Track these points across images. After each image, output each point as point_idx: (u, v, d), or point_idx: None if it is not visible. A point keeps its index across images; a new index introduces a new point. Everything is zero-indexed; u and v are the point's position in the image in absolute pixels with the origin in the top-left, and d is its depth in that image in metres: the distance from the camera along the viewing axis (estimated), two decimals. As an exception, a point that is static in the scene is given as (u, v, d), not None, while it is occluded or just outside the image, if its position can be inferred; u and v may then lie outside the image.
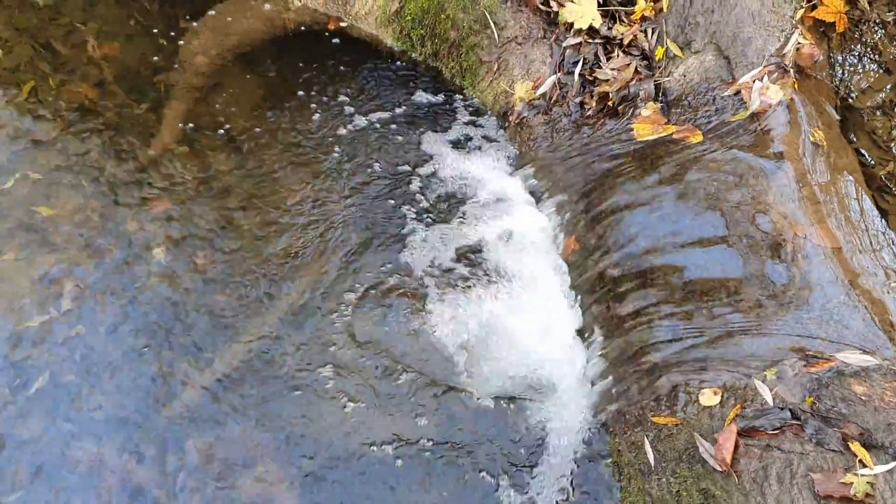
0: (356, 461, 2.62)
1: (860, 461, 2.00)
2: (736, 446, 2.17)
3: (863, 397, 2.13)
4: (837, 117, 3.11)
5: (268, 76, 3.62)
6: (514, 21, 3.29)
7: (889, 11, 3.18)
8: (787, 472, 2.06)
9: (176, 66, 3.58)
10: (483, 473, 2.61)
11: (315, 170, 3.33)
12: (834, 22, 3.14)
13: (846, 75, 3.22)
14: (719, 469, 2.17)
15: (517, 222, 3.17)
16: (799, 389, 2.22)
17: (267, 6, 3.75)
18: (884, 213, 2.86)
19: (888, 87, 3.17)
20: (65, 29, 3.71)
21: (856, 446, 2.02)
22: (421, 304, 2.97)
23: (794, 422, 2.15)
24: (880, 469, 1.97)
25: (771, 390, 2.24)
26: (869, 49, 3.21)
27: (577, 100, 3.21)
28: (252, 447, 2.64)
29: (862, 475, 1.96)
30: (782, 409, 2.19)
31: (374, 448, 2.65)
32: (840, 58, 3.22)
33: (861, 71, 3.22)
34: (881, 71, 3.23)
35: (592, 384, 2.73)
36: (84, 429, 2.63)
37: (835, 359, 2.27)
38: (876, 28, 3.20)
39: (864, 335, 2.35)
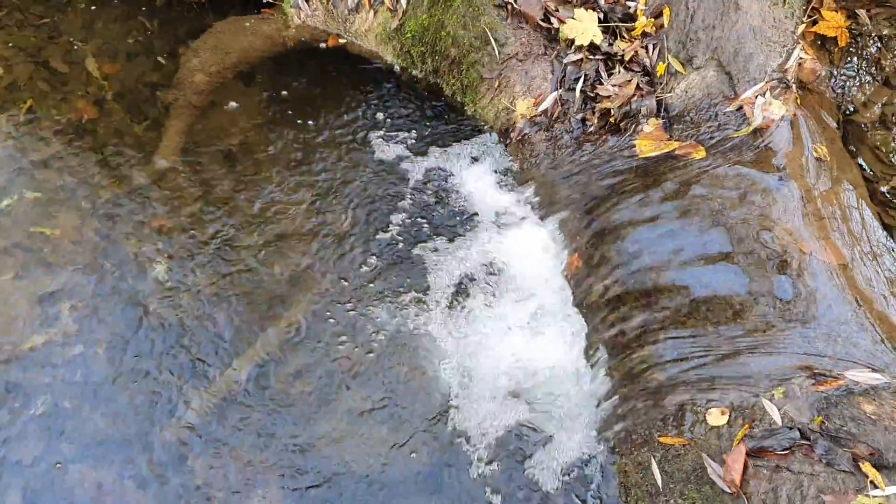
0: (359, 481, 2.59)
1: (871, 482, 1.97)
2: (745, 467, 2.14)
3: (872, 416, 2.10)
4: (840, 132, 3.10)
5: (267, 94, 3.61)
6: (515, 38, 3.29)
7: (890, 25, 3.18)
8: (798, 493, 2.03)
9: (175, 84, 3.57)
10: (487, 493, 2.58)
11: (316, 187, 3.31)
12: (835, 36, 3.14)
13: (848, 89, 3.22)
14: (728, 491, 2.14)
15: (519, 239, 3.16)
16: (807, 409, 2.20)
17: (266, 24, 3.74)
18: (888, 229, 2.85)
19: (890, 101, 3.17)
20: (64, 47, 3.70)
21: (867, 467, 2.00)
22: (422, 322, 2.95)
23: (803, 442, 2.13)
24: (892, 490, 1.94)
25: (779, 409, 2.22)
26: (871, 63, 3.21)
27: (579, 116, 3.20)
28: (253, 468, 2.61)
29: (874, 496, 1.93)
30: (791, 428, 2.16)
31: (377, 468, 2.62)
32: (842, 72, 3.21)
33: (863, 85, 3.22)
34: (883, 85, 3.23)
35: (598, 403, 2.70)
36: (83, 451, 2.61)
37: (843, 377, 2.25)
38: (877, 42, 3.20)
39: (873, 353, 2.33)
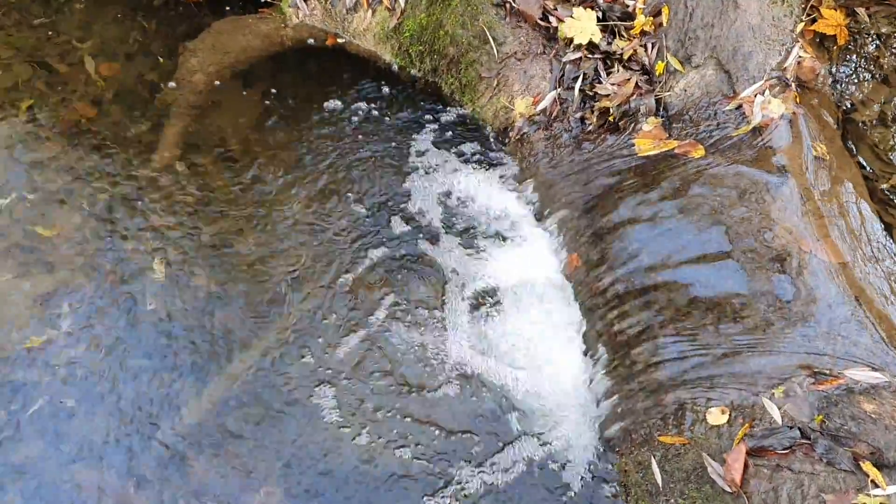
0: (360, 483, 2.59)
1: (872, 481, 1.97)
2: (745, 466, 2.14)
3: (873, 415, 2.10)
4: (839, 130, 3.10)
5: (266, 94, 3.61)
6: (514, 37, 3.28)
7: (889, 23, 3.18)
8: (799, 493, 2.03)
9: (174, 84, 3.56)
10: (486, 494, 2.58)
11: (314, 187, 3.31)
12: (834, 35, 3.13)
13: (847, 88, 3.22)
14: (729, 490, 2.14)
15: (518, 239, 3.15)
16: (808, 408, 2.20)
17: (264, 24, 3.74)
18: (887, 227, 2.85)
19: (889, 99, 3.17)
20: (63, 47, 3.69)
21: (867, 466, 2.00)
22: (421, 321, 2.95)
23: (803, 441, 2.13)
24: (893, 489, 1.94)
25: (779, 408, 2.22)
26: (870, 61, 3.21)
27: (578, 115, 3.19)
28: (253, 469, 2.60)
29: (875, 496, 1.93)
30: (791, 427, 2.16)
31: (377, 469, 2.62)
32: (841, 70, 3.21)
33: (862, 83, 3.22)
34: (882, 83, 3.22)
35: (597, 402, 2.70)
36: (82, 451, 2.61)
37: (843, 376, 2.25)
38: (876, 40, 3.19)
39: (873, 351, 2.33)
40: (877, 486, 1.96)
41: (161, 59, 3.69)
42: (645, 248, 2.75)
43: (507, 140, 3.37)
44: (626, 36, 3.19)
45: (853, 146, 3.14)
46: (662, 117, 3.08)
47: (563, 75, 3.23)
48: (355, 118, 3.55)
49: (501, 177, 3.33)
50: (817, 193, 2.76)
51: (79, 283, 2.95)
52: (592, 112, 3.18)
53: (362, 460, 2.63)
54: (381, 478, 2.60)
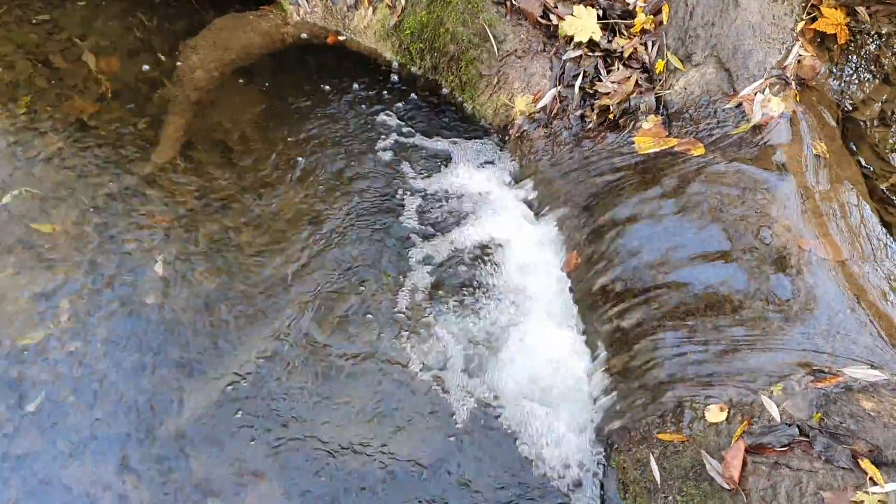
0: (359, 481, 2.59)
1: (871, 479, 1.97)
2: (744, 464, 2.14)
3: (872, 413, 2.10)
4: (839, 129, 3.10)
5: (266, 91, 3.61)
6: (514, 34, 3.28)
7: (889, 22, 3.18)
8: (797, 490, 2.03)
9: (174, 80, 3.56)
10: (485, 492, 2.58)
11: (314, 184, 3.31)
12: (835, 33, 3.13)
13: (847, 86, 3.21)
14: (727, 487, 2.14)
15: (518, 237, 3.15)
16: (806, 405, 2.20)
17: (265, 21, 3.74)
18: (887, 226, 2.85)
19: (890, 98, 3.16)
20: (63, 44, 3.69)
21: (866, 464, 2.00)
22: (421, 320, 2.95)
23: (802, 438, 2.13)
24: (891, 487, 1.94)
25: (778, 406, 2.22)
26: (870, 60, 3.20)
27: (578, 113, 3.20)
28: (252, 466, 2.60)
29: (873, 493, 1.93)
30: (790, 425, 2.16)
31: (377, 467, 2.62)
32: (841, 69, 3.21)
33: (862, 82, 3.21)
34: (882, 82, 3.22)
35: (596, 400, 2.70)
36: (81, 447, 2.60)
37: (842, 374, 2.25)
38: (876, 39, 3.19)
39: (872, 349, 2.32)
40: (875, 483, 1.96)
41: (162, 56, 3.68)
42: (644, 246, 2.75)
43: (506, 137, 3.37)
44: (626, 34, 3.19)
45: (853, 145, 3.14)
46: (662, 115, 3.08)
47: (563, 73, 3.23)
48: (356, 115, 3.55)
49: (501, 174, 3.33)
50: (817, 192, 2.76)
51: (78, 279, 2.95)
52: (592, 110, 3.18)
53: (365, 458, 2.64)
54: (380, 475, 2.61)
